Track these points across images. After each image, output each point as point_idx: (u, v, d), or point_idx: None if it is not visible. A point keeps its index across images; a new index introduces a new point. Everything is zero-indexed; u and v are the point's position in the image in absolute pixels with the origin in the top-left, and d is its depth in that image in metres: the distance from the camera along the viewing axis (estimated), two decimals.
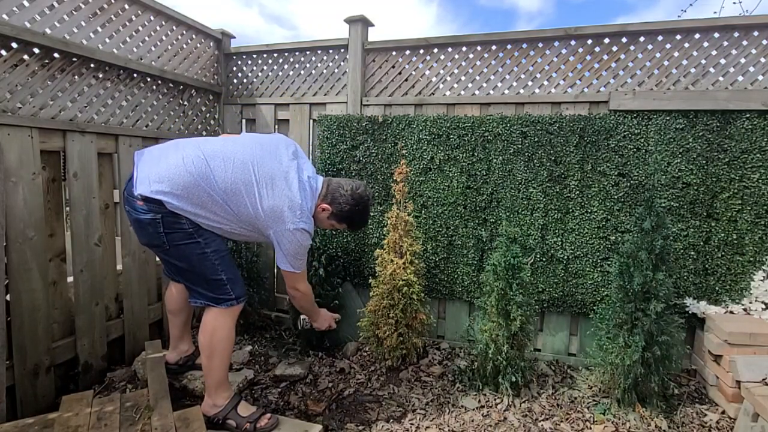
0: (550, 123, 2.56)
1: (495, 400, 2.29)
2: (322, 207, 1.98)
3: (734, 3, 4.67)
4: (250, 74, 3.37)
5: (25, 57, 2.06)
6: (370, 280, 2.65)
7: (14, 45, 2.01)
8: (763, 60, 2.32)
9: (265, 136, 2.02)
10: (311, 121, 3.20)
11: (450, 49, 2.84)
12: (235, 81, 3.43)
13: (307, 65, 3.18)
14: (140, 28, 2.66)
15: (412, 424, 2.11)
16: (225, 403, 1.93)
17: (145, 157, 1.81)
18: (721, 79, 2.38)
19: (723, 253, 2.37)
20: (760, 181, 2.29)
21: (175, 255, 1.81)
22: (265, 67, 3.31)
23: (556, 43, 2.64)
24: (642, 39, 2.49)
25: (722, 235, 2.36)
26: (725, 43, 2.36)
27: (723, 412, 2.17)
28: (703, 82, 2.41)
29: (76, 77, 2.29)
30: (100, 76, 2.43)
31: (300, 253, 1.90)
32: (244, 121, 3.41)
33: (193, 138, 1.91)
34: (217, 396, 1.93)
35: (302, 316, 2.39)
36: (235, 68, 3.42)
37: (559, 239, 2.59)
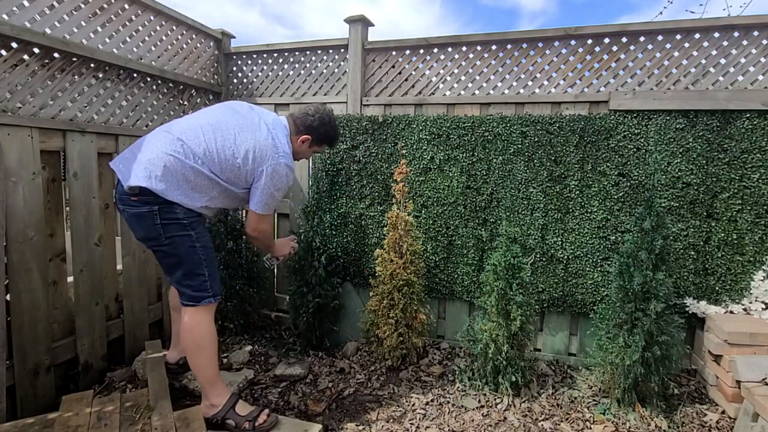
0: (550, 123, 2.56)
1: (495, 399, 2.29)
2: (302, 139, 2.08)
3: (723, 9, 4.65)
4: (250, 74, 3.37)
5: (25, 57, 2.06)
6: (370, 280, 2.65)
7: (14, 45, 2.01)
8: (763, 60, 2.32)
9: (215, 105, 2.08)
10: None
11: (450, 49, 2.84)
12: (235, 81, 3.43)
13: (307, 65, 3.18)
14: (140, 28, 2.66)
15: (412, 423, 2.11)
16: (222, 402, 1.92)
17: (119, 162, 1.86)
18: (721, 78, 2.38)
19: (723, 253, 2.37)
20: (760, 181, 2.29)
21: (169, 247, 1.84)
22: (265, 67, 3.31)
23: (557, 43, 2.64)
24: (642, 39, 2.49)
25: (722, 235, 2.36)
26: (725, 43, 2.37)
27: (723, 412, 2.17)
28: (703, 81, 2.41)
29: (76, 77, 2.29)
30: (100, 75, 2.43)
31: (279, 190, 1.96)
32: None
33: (155, 129, 1.94)
34: (213, 395, 1.93)
35: (265, 257, 2.42)
36: (235, 68, 3.42)
37: (559, 239, 2.59)
